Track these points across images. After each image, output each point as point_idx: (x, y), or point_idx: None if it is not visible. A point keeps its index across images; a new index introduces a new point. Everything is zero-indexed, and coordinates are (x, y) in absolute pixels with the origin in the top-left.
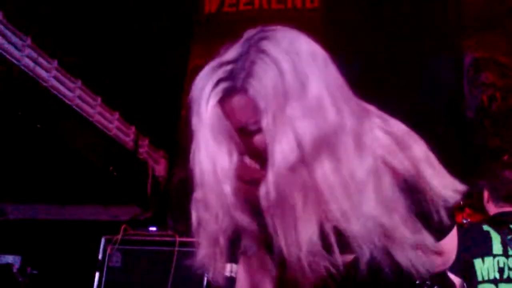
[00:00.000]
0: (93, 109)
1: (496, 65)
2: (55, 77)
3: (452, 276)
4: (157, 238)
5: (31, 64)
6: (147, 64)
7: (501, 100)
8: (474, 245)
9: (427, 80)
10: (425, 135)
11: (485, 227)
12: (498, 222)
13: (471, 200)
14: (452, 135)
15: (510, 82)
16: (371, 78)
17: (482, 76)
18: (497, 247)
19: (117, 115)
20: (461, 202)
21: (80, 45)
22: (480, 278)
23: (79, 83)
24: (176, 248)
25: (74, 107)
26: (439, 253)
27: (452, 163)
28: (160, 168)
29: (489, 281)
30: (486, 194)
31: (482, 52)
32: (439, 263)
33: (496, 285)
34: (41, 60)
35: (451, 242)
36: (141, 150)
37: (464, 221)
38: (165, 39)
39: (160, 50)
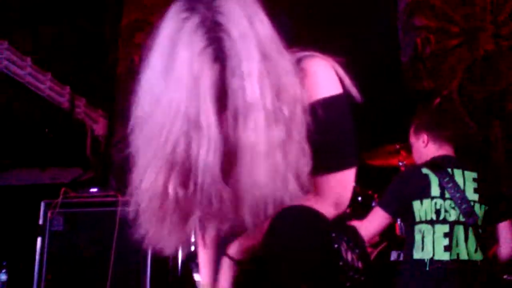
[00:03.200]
0: (23, 70)
1: (430, 8)
2: None
3: (382, 214)
4: (99, 199)
5: None
6: (78, 22)
7: (434, 43)
8: (413, 188)
9: (362, 25)
10: (360, 81)
11: (424, 170)
12: (437, 166)
13: (406, 143)
14: (387, 79)
15: (444, 24)
16: (306, 23)
17: (416, 19)
18: (435, 190)
19: (49, 75)
20: (397, 146)
21: (6, 4)
22: (417, 219)
23: (6, 44)
24: (119, 208)
25: (3, 69)
26: (318, 192)
27: (387, 108)
28: (99, 128)
29: (426, 221)
30: (425, 137)
31: None
32: (328, 211)
33: (433, 225)
34: None
35: (340, 181)
36: (78, 110)
37: (400, 164)
38: None
39: (91, 7)
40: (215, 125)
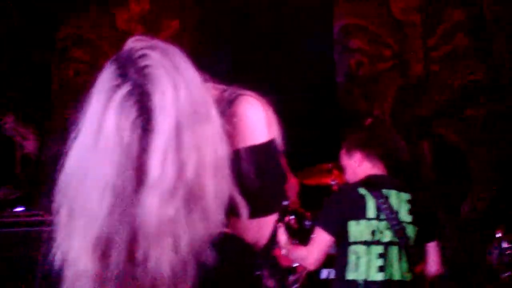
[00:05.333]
0: None
1: (364, 32)
2: None
3: (324, 235)
4: (24, 219)
5: None
6: (11, 37)
7: (368, 65)
8: (349, 208)
9: (299, 48)
10: (298, 101)
11: (361, 191)
12: (372, 185)
13: (338, 162)
14: (323, 100)
15: (377, 48)
16: (242, 47)
17: (351, 42)
18: (371, 211)
19: None
20: (330, 165)
21: None
22: (352, 240)
23: None
24: (46, 228)
25: None
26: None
27: (323, 128)
28: (30, 145)
29: (361, 242)
30: (358, 155)
31: (351, 19)
32: (250, 240)
33: (368, 246)
34: None
35: (260, 227)
36: (6, 126)
37: (333, 182)
38: (33, 7)
39: (27, 19)
40: (130, 203)
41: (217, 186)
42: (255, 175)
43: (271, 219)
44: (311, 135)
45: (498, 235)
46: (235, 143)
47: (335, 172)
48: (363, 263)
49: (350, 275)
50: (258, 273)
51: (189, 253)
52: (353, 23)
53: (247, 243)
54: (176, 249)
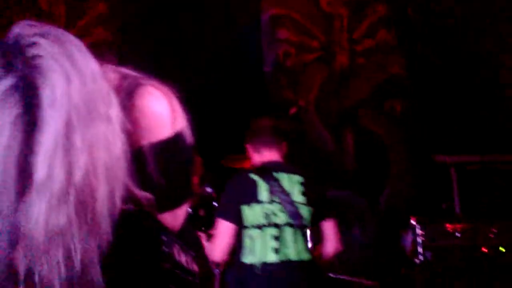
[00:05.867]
0: None
1: (292, 22)
2: None
3: (224, 224)
4: None
5: None
6: None
7: (295, 55)
8: (243, 193)
9: (228, 37)
10: (226, 90)
11: (252, 176)
12: (264, 171)
13: None
14: (251, 89)
15: (304, 39)
16: (168, 35)
17: (279, 32)
18: (263, 194)
19: None
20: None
21: None
22: (247, 224)
23: None
24: None
25: None
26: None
27: (251, 116)
28: None
29: (255, 226)
30: (257, 143)
31: (279, 9)
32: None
33: (262, 229)
34: None
35: (172, 218)
36: None
37: None
38: None
39: None
40: (12, 210)
41: (110, 190)
42: (162, 171)
43: (182, 209)
44: (238, 123)
45: (412, 222)
46: (138, 139)
47: None
48: (258, 246)
49: (246, 259)
50: (166, 249)
51: (82, 268)
52: (282, 14)
53: (156, 219)
54: (67, 263)
